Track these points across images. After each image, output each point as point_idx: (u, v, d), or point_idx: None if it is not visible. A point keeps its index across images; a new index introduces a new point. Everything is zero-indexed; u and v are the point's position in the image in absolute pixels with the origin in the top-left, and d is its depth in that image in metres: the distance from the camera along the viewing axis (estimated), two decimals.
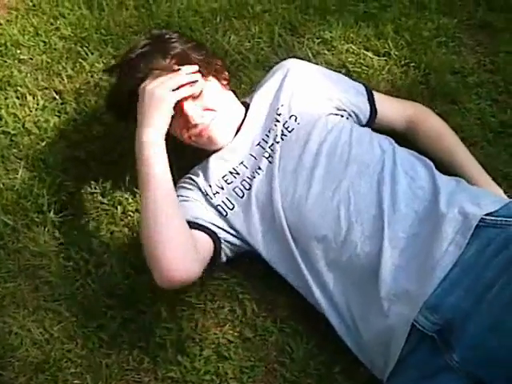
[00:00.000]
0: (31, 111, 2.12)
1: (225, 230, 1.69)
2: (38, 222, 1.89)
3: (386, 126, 1.87)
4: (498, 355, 1.32)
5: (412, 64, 2.11)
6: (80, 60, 2.24)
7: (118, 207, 1.89)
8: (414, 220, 1.50)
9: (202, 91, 1.69)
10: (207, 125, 1.69)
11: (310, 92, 1.77)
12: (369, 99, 1.85)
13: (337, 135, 1.66)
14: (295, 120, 1.71)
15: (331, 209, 1.55)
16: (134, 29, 2.31)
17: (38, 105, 2.14)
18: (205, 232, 1.66)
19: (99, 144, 2.02)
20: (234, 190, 1.69)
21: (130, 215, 1.87)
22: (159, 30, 1.93)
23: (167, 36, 1.77)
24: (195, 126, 1.69)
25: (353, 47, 2.18)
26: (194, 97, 1.67)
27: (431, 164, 1.64)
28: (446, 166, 1.75)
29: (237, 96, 1.86)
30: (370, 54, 2.16)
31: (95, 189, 1.93)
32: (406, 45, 2.17)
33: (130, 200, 1.90)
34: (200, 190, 1.72)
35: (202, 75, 1.71)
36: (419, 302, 1.40)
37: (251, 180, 1.68)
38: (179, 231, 1.58)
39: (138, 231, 1.81)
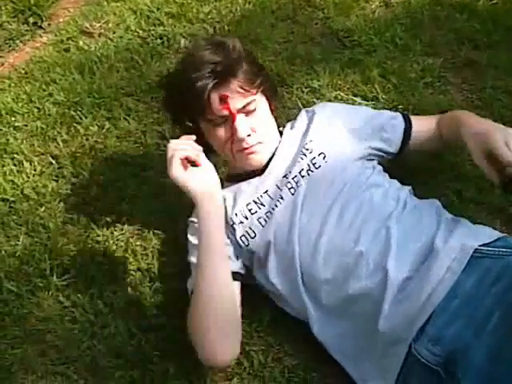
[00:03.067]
0: (29, 177, 2.15)
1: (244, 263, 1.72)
2: (41, 287, 1.89)
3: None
4: None
5: (400, 106, 2.13)
6: (74, 124, 2.28)
7: (120, 267, 1.89)
8: (417, 256, 1.51)
9: (255, 109, 1.68)
10: (251, 145, 1.69)
11: (340, 133, 1.77)
12: (405, 129, 1.82)
13: (360, 183, 1.67)
14: (323, 158, 1.71)
15: (341, 247, 1.57)
16: (125, 90, 2.36)
17: (35, 170, 2.17)
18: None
19: (98, 206, 2.04)
20: (258, 219, 1.70)
21: (132, 274, 1.87)
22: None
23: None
24: (241, 140, 1.67)
25: (341, 94, 2.21)
26: (247, 112, 1.67)
27: (438, 204, 1.67)
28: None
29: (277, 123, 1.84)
30: (358, 99, 2.19)
31: (96, 250, 1.94)
32: (393, 88, 2.20)
33: (131, 259, 1.90)
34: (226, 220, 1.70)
35: (260, 91, 1.71)
36: (416, 327, 1.43)
37: (273, 210, 1.69)
38: (229, 316, 1.59)
39: (139, 290, 1.83)
